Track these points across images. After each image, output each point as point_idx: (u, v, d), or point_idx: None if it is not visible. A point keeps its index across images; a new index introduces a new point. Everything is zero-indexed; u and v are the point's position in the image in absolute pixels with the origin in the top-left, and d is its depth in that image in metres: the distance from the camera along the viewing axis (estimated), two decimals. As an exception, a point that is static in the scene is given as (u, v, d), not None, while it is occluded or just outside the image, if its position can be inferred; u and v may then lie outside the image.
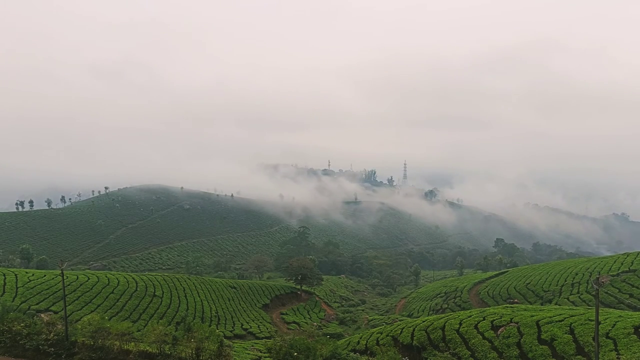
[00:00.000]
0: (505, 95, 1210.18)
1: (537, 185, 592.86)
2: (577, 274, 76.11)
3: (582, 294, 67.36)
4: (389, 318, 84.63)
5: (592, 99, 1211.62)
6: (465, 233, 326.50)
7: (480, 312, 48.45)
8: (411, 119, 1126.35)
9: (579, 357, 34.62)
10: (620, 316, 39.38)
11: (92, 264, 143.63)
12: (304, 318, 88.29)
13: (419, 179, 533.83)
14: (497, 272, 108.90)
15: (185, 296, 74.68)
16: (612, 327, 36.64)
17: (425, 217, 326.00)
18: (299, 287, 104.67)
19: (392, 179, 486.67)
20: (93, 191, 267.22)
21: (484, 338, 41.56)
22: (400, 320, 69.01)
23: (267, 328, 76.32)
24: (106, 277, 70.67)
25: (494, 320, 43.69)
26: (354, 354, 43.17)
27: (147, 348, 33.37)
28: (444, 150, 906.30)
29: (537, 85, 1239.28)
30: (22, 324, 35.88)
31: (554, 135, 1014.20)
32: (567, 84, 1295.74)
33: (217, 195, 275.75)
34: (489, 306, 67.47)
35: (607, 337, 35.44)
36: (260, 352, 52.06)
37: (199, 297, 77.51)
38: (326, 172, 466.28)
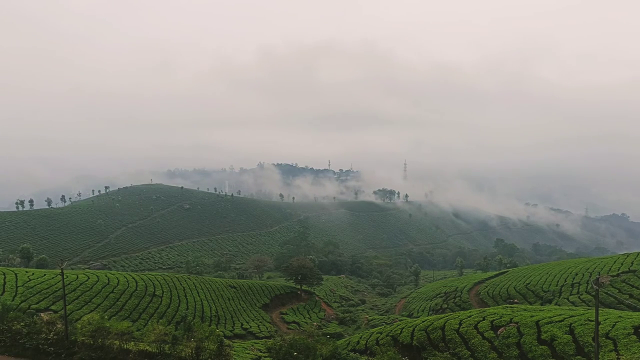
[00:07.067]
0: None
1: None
2: (577, 274, 76.06)
3: (582, 294, 67.32)
4: (388, 318, 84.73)
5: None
6: (465, 233, 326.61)
7: (480, 312, 48.42)
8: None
9: (578, 357, 34.61)
10: (620, 316, 39.35)
11: (92, 263, 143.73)
12: (304, 318, 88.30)
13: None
14: (497, 272, 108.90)
15: (185, 296, 74.67)
16: (612, 327, 36.62)
17: (423, 218, 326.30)
18: (299, 287, 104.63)
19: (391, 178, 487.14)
20: (93, 190, 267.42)
21: (484, 338, 41.56)
22: (400, 320, 69.04)
23: (267, 328, 76.37)
24: (106, 276, 70.60)
25: (494, 320, 43.69)
26: (354, 353, 43.22)
27: (147, 347, 33.40)
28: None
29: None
30: (22, 323, 35.95)
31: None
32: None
33: (217, 195, 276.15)
34: (489, 306, 67.46)
35: (607, 337, 35.42)
36: (260, 351, 52.15)
37: (199, 296, 77.51)
38: (326, 172, 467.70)
